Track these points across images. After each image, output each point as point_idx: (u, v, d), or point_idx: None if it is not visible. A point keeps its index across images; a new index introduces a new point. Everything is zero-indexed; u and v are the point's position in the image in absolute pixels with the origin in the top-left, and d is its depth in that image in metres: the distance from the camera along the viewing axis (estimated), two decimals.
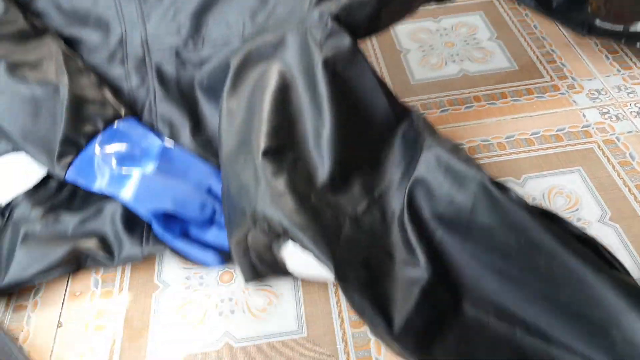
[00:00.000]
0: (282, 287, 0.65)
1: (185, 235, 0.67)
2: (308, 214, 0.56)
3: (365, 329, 0.59)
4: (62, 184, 0.71)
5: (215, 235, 0.67)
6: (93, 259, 0.68)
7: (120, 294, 0.66)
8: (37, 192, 0.71)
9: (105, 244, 0.67)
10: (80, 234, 0.68)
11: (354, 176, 0.64)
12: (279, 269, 0.61)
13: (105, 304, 0.65)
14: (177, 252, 0.67)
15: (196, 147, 0.73)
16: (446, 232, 0.57)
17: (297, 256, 0.57)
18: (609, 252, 0.58)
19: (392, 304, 0.53)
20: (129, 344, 0.61)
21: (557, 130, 0.82)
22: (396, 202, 0.62)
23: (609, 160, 0.77)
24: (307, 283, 0.64)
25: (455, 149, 0.63)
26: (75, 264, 0.68)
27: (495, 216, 0.55)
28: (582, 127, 0.82)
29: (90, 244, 0.66)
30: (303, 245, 0.55)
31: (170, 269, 0.68)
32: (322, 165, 0.62)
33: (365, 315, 0.52)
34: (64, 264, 0.66)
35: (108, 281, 0.67)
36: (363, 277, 0.54)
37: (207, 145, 0.74)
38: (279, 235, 0.57)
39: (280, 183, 0.58)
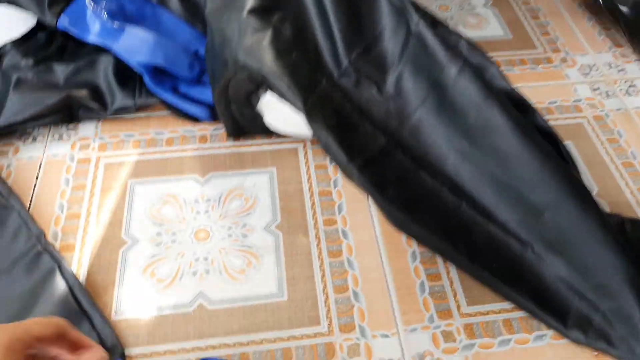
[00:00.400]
0: (262, 249, 0.60)
1: (175, 91, 0.72)
2: (286, 66, 0.59)
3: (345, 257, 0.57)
4: (52, 36, 0.75)
5: (201, 91, 0.72)
6: (86, 109, 0.71)
7: (82, 249, 0.60)
8: (26, 43, 0.74)
9: (97, 94, 0.71)
10: (72, 83, 0.71)
11: (339, 41, 0.63)
12: (258, 124, 0.67)
13: (66, 259, 0.59)
14: (168, 105, 0.72)
15: (184, 12, 0.77)
16: (424, 109, 0.59)
17: (274, 108, 0.62)
18: (567, 151, 0.62)
19: (355, 149, 0.58)
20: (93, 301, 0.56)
21: (549, 103, 0.80)
22: (375, 69, 0.63)
23: (597, 136, 0.76)
24: (288, 244, 0.61)
25: (438, 24, 0.63)
26: (67, 113, 0.71)
27: (470, 96, 0.58)
28: (573, 102, 0.80)
29: (83, 93, 0.70)
30: (279, 93, 0.59)
31: (139, 224, 0.62)
32: (316, 28, 0.62)
33: (331, 151, 0.58)
34: (57, 111, 0.70)
35: (69, 233, 0.61)
36: (332, 122, 0.58)
37: (194, 10, 0.78)
38: (258, 84, 0.61)
39: (263, 37, 0.60)
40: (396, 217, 0.58)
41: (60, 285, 0.54)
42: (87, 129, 0.72)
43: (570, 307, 0.53)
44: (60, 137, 0.71)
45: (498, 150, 0.57)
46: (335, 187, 0.67)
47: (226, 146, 0.71)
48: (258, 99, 0.63)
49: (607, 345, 0.52)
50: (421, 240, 0.59)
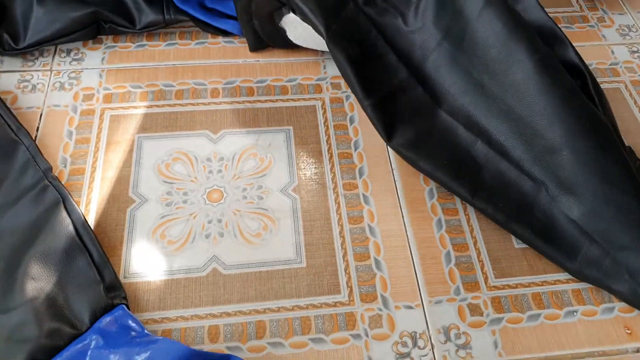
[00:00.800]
0: (279, 212, 0.57)
1: (202, 7, 0.71)
2: None
3: (368, 248, 0.53)
4: None
5: (228, 6, 0.70)
6: (113, 24, 0.69)
7: (87, 207, 0.56)
8: None
9: (124, 10, 0.70)
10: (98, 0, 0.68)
11: None
12: (280, 39, 0.67)
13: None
14: (198, 21, 0.70)
15: None
16: (446, 43, 0.57)
17: (297, 26, 0.63)
18: (598, 88, 0.58)
19: (373, 84, 0.56)
20: None
21: None
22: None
23: (635, 102, 0.70)
24: (306, 208, 0.57)
25: None
26: (94, 29, 0.69)
27: (494, 30, 0.55)
28: (609, 65, 0.75)
29: (110, 8, 0.68)
30: (302, 15, 0.57)
31: (148, 182, 0.58)
32: None
33: (349, 83, 0.56)
34: (84, 27, 0.68)
35: (73, 190, 0.57)
36: (355, 52, 0.56)
37: None
38: (282, 3, 0.60)
39: None
40: (406, 156, 0.56)
41: (63, 218, 0.52)
42: (90, 78, 0.67)
43: (580, 249, 0.52)
44: (62, 87, 0.66)
45: (518, 85, 0.55)
46: (356, 149, 0.62)
47: (239, 101, 0.66)
48: (281, 17, 0.62)
49: (612, 286, 0.51)
50: (429, 177, 0.58)
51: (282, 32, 0.66)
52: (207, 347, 0.48)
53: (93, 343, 0.45)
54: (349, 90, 0.67)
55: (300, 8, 0.57)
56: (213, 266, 0.53)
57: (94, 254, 0.50)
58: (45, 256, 0.48)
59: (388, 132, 0.56)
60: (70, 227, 0.50)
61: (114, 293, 0.48)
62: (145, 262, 0.53)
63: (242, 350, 0.48)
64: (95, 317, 0.46)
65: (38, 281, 0.47)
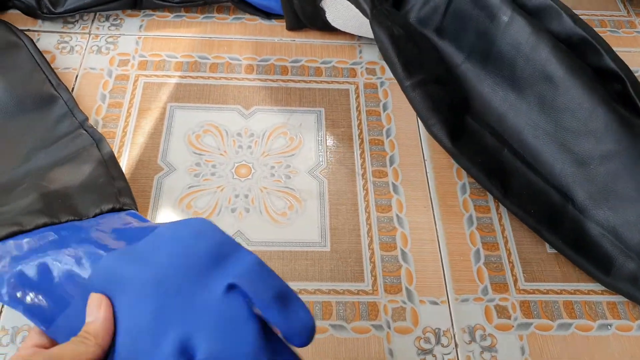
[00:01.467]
0: (306, 193, 0.55)
1: None
2: None
3: (395, 237, 0.51)
4: None
5: None
6: None
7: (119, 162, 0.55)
8: None
9: None
10: None
11: None
12: (318, 20, 0.66)
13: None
14: (239, 1, 0.68)
15: None
16: (470, 62, 0.58)
17: (337, 7, 0.62)
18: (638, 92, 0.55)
19: (414, 66, 0.54)
20: None
21: None
22: (429, 15, 0.62)
23: None
24: (333, 192, 0.55)
25: None
26: (132, 0, 0.67)
27: (519, 45, 0.55)
28: None
29: None
30: None
31: (177, 151, 0.57)
32: None
33: (389, 61, 0.54)
34: None
35: None
36: (398, 33, 0.54)
37: None
38: None
39: None
40: (443, 144, 0.54)
41: (94, 152, 0.52)
42: (127, 44, 0.66)
43: (613, 262, 0.50)
44: (99, 50, 0.65)
45: (545, 100, 0.54)
46: (388, 136, 0.60)
47: (272, 79, 0.64)
48: None
49: None
50: (466, 171, 0.56)
51: (322, 13, 0.64)
52: None
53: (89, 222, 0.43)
54: (384, 77, 0.65)
55: None
56: (237, 241, 0.51)
57: (115, 176, 0.50)
58: (64, 164, 0.50)
59: (427, 115, 0.53)
60: (99, 156, 0.51)
61: (127, 205, 0.48)
62: None
63: None
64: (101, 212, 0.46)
65: (55, 177, 0.48)
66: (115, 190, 0.48)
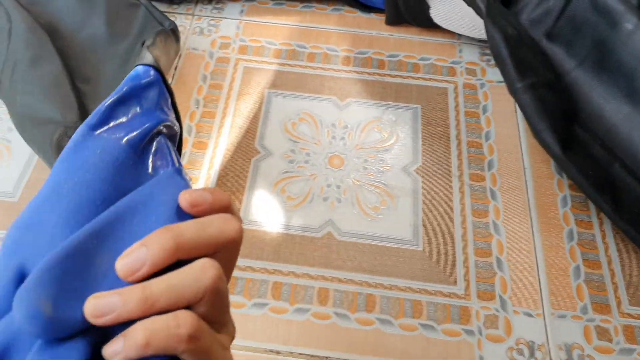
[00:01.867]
0: (399, 190, 0.54)
1: None
2: None
3: (490, 245, 0.50)
4: None
5: None
6: None
7: (215, 150, 0.56)
8: None
9: None
10: None
11: None
12: (420, 16, 0.65)
13: (196, 156, 0.56)
14: None
15: None
16: (582, 70, 0.56)
17: (444, 2, 0.60)
18: None
19: (528, 67, 0.53)
20: None
21: None
22: (542, 19, 0.59)
23: None
24: (428, 191, 0.54)
25: None
26: None
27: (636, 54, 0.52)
28: None
29: None
30: None
31: (273, 136, 0.58)
32: None
33: (501, 62, 0.52)
34: None
35: (203, 132, 0.57)
36: (512, 33, 0.53)
37: None
38: None
39: None
40: (552, 151, 0.52)
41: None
42: (228, 28, 0.67)
43: None
44: (202, 32, 0.67)
45: None
46: (487, 140, 0.58)
47: (369, 72, 0.63)
48: None
49: None
50: (575, 183, 0.54)
51: (426, 8, 0.63)
52: (316, 308, 0.47)
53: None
54: (485, 79, 0.63)
55: None
56: (328, 230, 0.51)
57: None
58: None
59: (537, 120, 0.51)
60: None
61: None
62: (263, 213, 0.52)
63: (349, 319, 0.46)
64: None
65: None
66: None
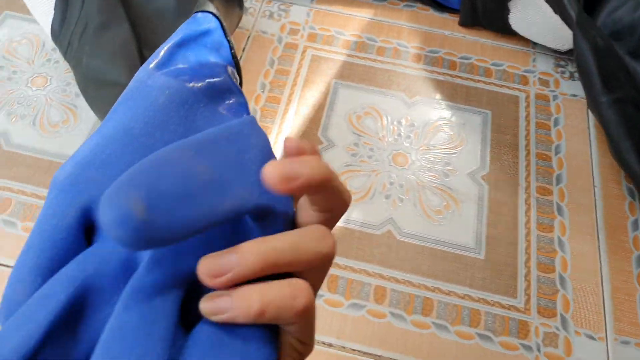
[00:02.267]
0: (464, 195, 0.53)
1: None
2: None
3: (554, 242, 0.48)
4: None
5: None
6: None
7: (278, 136, 0.56)
8: None
9: None
10: None
11: None
12: (497, 20, 0.62)
13: None
14: None
15: None
16: None
17: (528, 8, 0.58)
18: None
19: (616, 80, 0.51)
20: None
21: None
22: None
23: None
24: (494, 200, 0.52)
25: None
26: None
27: None
28: None
29: None
30: None
31: (337, 128, 0.57)
32: None
33: (585, 74, 0.51)
34: None
35: (268, 116, 0.57)
36: (601, 45, 0.51)
37: None
38: None
39: None
40: (633, 171, 0.50)
41: None
42: (298, 14, 0.67)
43: None
44: (271, 16, 0.66)
45: None
46: (557, 153, 0.56)
47: (440, 72, 0.62)
48: None
49: None
50: None
51: (506, 12, 0.61)
52: (372, 305, 0.46)
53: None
54: (558, 91, 0.61)
55: None
56: (388, 228, 0.51)
57: None
58: None
59: (621, 138, 0.50)
60: None
61: None
62: None
63: (405, 320, 0.46)
64: None
65: None
66: None
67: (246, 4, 0.67)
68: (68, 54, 0.57)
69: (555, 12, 0.54)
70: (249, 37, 0.64)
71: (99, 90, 0.53)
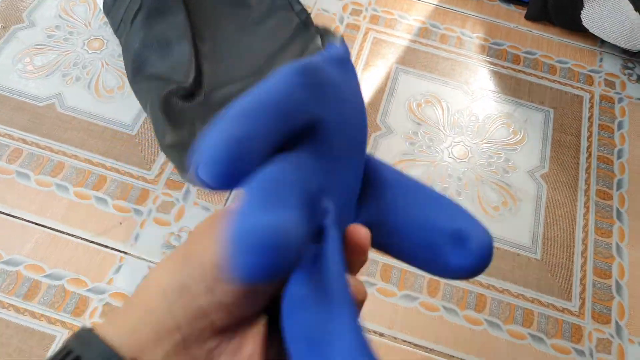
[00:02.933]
0: (522, 193, 0.52)
1: None
2: None
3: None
4: None
5: None
6: None
7: None
8: None
9: None
10: None
11: None
12: (567, 16, 0.60)
13: None
14: None
15: None
16: None
17: (605, 4, 0.55)
18: None
19: None
20: None
21: None
22: None
23: None
24: (552, 200, 0.51)
25: None
26: None
27: None
28: None
29: None
30: None
31: (397, 115, 0.55)
32: None
33: None
34: None
35: None
36: None
37: None
38: None
39: None
40: None
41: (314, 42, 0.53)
42: None
43: None
44: None
45: None
46: (619, 157, 0.55)
47: (504, 65, 0.60)
48: None
49: None
50: None
51: (579, 7, 0.59)
52: (424, 297, 0.46)
53: None
54: (624, 93, 0.59)
55: None
56: None
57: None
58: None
59: None
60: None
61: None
62: None
63: (458, 315, 0.46)
64: None
65: None
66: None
67: None
68: (119, 32, 0.56)
69: (637, 9, 0.51)
70: (309, 14, 0.63)
71: (147, 82, 0.52)
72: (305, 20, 0.56)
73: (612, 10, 0.55)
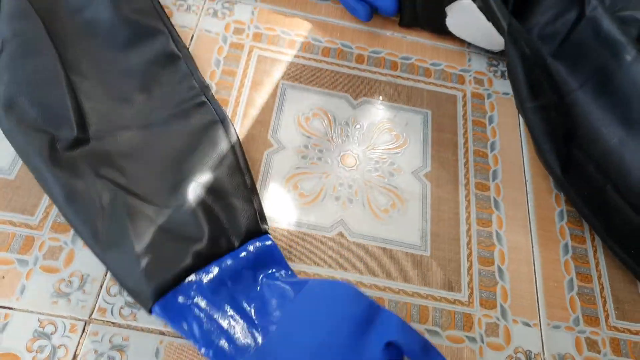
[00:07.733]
0: (408, 194, 0.50)
1: None
2: None
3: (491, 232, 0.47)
4: None
5: None
6: None
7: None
8: None
9: None
10: None
11: None
12: (434, 23, 0.61)
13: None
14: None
15: None
16: (581, 93, 0.51)
17: (463, 15, 0.56)
18: None
19: (540, 87, 0.50)
20: None
21: None
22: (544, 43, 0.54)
23: None
24: (436, 197, 0.50)
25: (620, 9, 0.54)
26: None
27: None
28: None
29: None
30: (486, 5, 0.51)
31: (287, 130, 0.52)
32: None
33: (515, 81, 0.50)
34: None
35: None
36: (528, 53, 0.50)
37: None
38: None
39: None
40: (552, 171, 0.50)
41: (221, 136, 0.46)
42: (243, 13, 0.60)
43: None
44: (215, 14, 0.59)
45: None
46: (492, 150, 0.55)
47: (382, 73, 0.59)
48: (452, 0, 0.55)
49: None
50: (571, 202, 0.51)
51: (443, 16, 0.59)
52: None
53: (244, 262, 0.40)
54: (491, 89, 0.60)
55: None
56: (340, 230, 0.47)
57: (247, 178, 0.45)
58: (205, 165, 0.44)
59: (543, 141, 0.49)
60: (228, 146, 0.46)
61: (262, 221, 0.43)
62: (275, 208, 0.47)
63: None
64: (246, 238, 0.41)
65: (199, 186, 0.43)
66: (252, 205, 0.43)
67: (189, 1, 0.60)
68: None
69: (488, 20, 0.52)
70: (192, 36, 0.57)
71: (21, 131, 0.43)
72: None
73: (471, 18, 0.55)
